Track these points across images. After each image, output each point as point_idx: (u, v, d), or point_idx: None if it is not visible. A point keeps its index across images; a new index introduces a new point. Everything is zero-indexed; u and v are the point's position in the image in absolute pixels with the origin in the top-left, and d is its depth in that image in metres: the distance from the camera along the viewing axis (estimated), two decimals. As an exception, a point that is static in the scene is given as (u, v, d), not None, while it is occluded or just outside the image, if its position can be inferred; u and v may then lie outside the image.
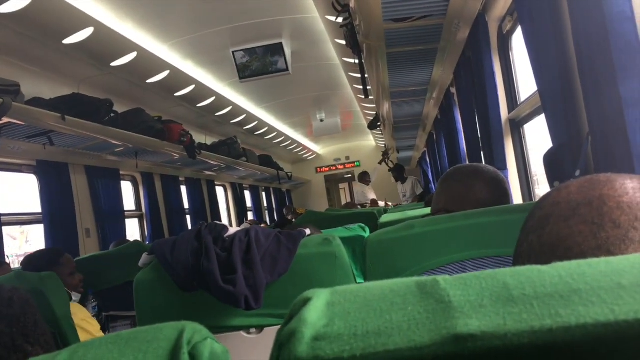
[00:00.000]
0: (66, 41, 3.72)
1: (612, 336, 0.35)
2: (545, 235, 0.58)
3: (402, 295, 0.42)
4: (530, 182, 2.90)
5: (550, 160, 1.60)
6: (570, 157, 1.47)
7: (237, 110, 6.82)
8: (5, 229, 3.76)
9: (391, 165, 9.58)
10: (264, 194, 11.02)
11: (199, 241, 1.48)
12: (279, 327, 1.36)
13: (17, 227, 4.69)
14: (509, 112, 2.96)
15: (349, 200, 15.84)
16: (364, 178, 9.69)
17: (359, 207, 5.89)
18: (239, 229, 1.54)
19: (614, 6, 1.15)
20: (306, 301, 0.43)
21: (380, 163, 8.44)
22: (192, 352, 0.44)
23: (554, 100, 1.57)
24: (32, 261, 2.76)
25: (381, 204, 7.82)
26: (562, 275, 0.40)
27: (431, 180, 8.91)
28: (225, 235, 1.50)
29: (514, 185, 2.90)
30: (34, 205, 4.29)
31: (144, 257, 1.56)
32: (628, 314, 0.35)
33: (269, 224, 9.55)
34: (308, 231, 1.58)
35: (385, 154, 7.28)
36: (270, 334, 1.46)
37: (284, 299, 1.47)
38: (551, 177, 1.62)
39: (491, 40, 2.83)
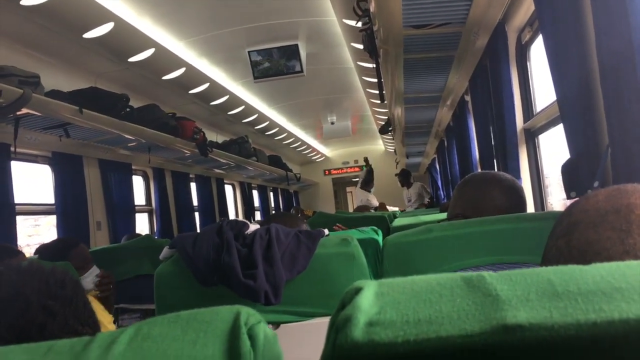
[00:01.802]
0: (86, 35, 3.77)
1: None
2: (574, 241, 0.61)
3: (449, 288, 0.45)
4: (543, 192, 2.92)
5: (568, 170, 1.62)
6: (588, 168, 1.49)
7: (250, 109, 6.86)
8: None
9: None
10: (271, 194, 11.06)
11: (220, 237, 1.51)
12: (295, 324, 1.40)
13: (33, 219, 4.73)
14: (525, 121, 2.98)
15: (355, 203, 15.88)
16: (367, 185, 9.71)
17: (371, 210, 5.91)
18: (258, 226, 1.57)
19: (639, 18, 1.18)
20: (358, 290, 0.46)
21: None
22: (250, 333, 0.47)
23: (573, 111, 1.59)
24: (45, 250, 2.80)
25: (393, 208, 7.83)
26: (603, 275, 0.42)
27: (440, 187, 8.91)
28: (245, 232, 1.53)
29: (527, 194, 2.92)
30: (47, 196, 4.34)
31: (165, 251, 1.58)
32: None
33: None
34: (326, 231, 1.61)
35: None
36: (286, 330, 1.49)
37: (302, 297, 1.50)
38: (568, 187, 1.64)
39: (509, 50, 2.85)
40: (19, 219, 3.82)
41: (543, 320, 0.39)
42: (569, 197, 1.67)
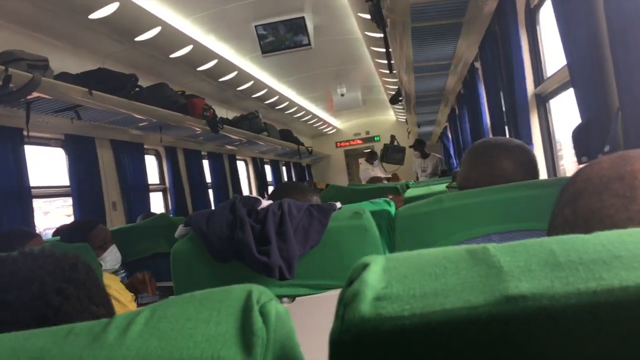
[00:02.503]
0: (92, 16, 3.76)
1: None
2: (579, 209, 0.62)
3: (454, 261, 0.46)
4: (554, 157, 2.91)
5: (578, 135, 1.61)
6: (598, 133, 1.48)
7: (259, 84, 6.85)
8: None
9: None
10: (284, 168, 11.08)
11: (233, 213, 1.53)
12: (310, 296, 1.42)
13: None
14: (535, 87, 2.95)
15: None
16: (371, 158, 9.84)
17: (384, 182, 5.91)
18: (271, 202, 1.58)
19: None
20: (365, 266, 0.47)
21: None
22: (262, 311, 0.48)
23: (583, 75, 1.58)
24: (66, 232, 2.85)
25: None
26: (604, 243, 0.43)
27: (452, 155, 8.89)
28: (258, 208, 1.54)
29: (539, 160, 2.90)
30: (62, 178, 4.39)
31: (180, 229, 1.61)
32: (668, 278, 0.39)
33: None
34: (339, 204, 1.62)
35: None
36: (301, 302, 1.51)
37: (316, 270, 1.52)
38: (579, 152, 1.63)
39: (518, 15, 2.81)
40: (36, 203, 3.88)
41: (545, 290, 0.40)
42: (580, 162, 1.67)
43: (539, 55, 2.93)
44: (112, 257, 2.86)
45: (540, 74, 2.92)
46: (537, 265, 0.42)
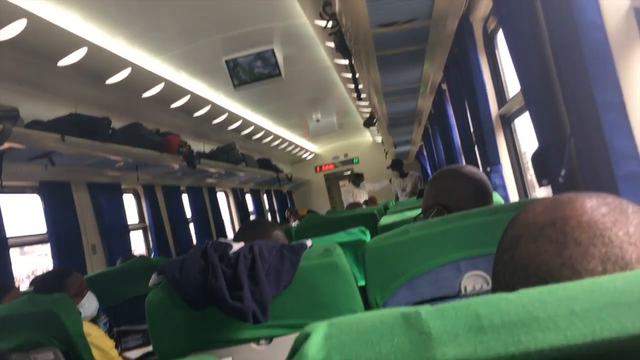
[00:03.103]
0: (61, 63, 3.77)
1: (565, 359, 0.41)
2: (517, 255, 0.65)
3: (389, 327, 0.48)
4: (524, 176, 2.96)
5: (537, 159, 1.67)
6: (556, 157, 1.53)
7: (233, 117, 6.88)
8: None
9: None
10: (265, 196, 11.08)
11: (205, 259, 1.54)
12: (287, 337, 1.44)
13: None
14: (499, 107, 3.02)
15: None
16: (356, 179, 9.84)
17: (363, 206, 5.94)
18: (242, 244, 1.60)
19: (584, 16, 1.21)
20: (307, 336, 0.49)
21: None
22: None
23: (537, 101, 1.63)
24: (39, 283, 2.83)
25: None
26: (525, 303, 0.46)
27: (429, 173, 8.98)
28: (230, 252, 1.56)
29: (509, 179, 2.97)
30: (40, 225, 4.36)
31: (154, 278, 1.61)
32: (579, 338, 0.41)
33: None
34: (309, 242, 1.64)
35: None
36: (278, 344, 1.52)
37: (290, 310, 1.53)
38: (539, 176, 1.68)
39: (477, 39, 2.89)
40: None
41: (468, 356, 0.42)
42: (540, 186, 1.72)
43: (500, 77, 3.00)
44: (89, 304, 2.84)
45: (503, 95, 3.00)
46: (463, 330, 0.45)
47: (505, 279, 0.66)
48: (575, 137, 1.38)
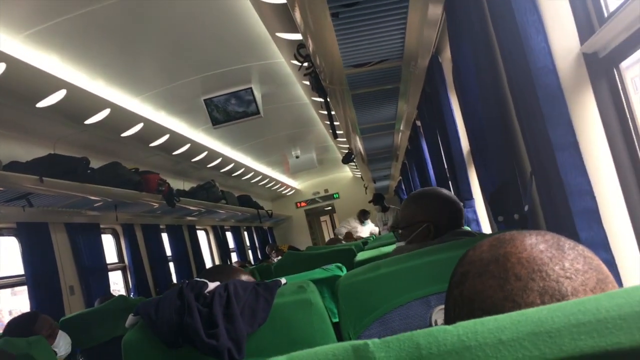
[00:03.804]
0: (40, 104, 3.80)
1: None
2: (465, 290, 0.70)
3: (340, 358, 0.52)
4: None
5: (493, 198, 1.74)
6: (514, 195, 1.60)
7: (213, 154, 6.92)
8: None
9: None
10: (245, 233, 11.06)
11: (181, 299, 1.57)
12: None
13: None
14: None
15: (331, 233, 15.94)
16: (362, 216, 9.43)
17: (342, 242, 5.98)
18: (218, 283, 1.63)
19: (537, 61, 1.30)
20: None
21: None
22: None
23: (496, 142, 1.70)
24: (13, 327, 2.84)
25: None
26: (460, 334, 0.51)
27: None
28: (205, 291, 1.59)
29: (481, 214, 3.03)
30: (18, 266, 4.32)
31: (130, 318, 1.63)
32: (505, 365, 0.46)
33: (252, 263, 9.56)
34: (284, 280, 1.68)
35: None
36: (255, 381, 1.54)
37: (266, 347, 1.56)
38: (495, 213, 1.75)
39: (446, 77, 2.99)
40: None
41: (407, 385, 0.47)
42: (497, 222, 1.78)
43: (471, 114, 3.09)
44: (63, 343, 2.85)
45: (473, 132, 3.08)
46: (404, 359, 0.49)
47: (455, 312, 0.70)
48: (535, 174, 1.45)
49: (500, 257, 0.69)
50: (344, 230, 8.85)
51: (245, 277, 1.73)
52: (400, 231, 1.78)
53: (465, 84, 1.87)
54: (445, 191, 1.80)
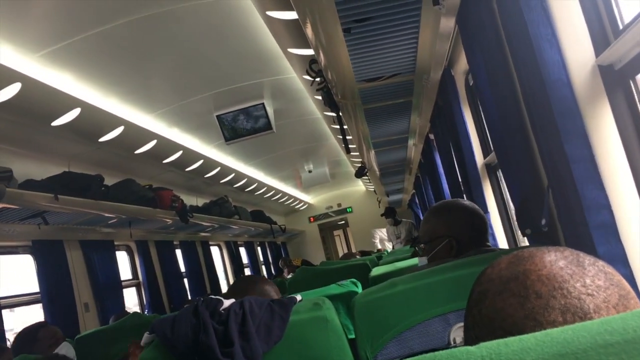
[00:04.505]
0: (55, 123, 3.84)
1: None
2: (484, 309, 0.68)
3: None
4: (511, 223, 3.00)
5: (519, 211, 1.72)
6: (536, 208, 1.58)
7: (226, 170, 6.95)
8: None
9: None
10: (259, 248, 11.05)
11: (196, 317, 1.56)
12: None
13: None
14: (484, 157, 3.09)
15: (345, 247, 15.89)
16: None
17: (357, 256, 5.95)
18: (233, 301, 1.62)
19: (551, 74, 1.29)
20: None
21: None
22: None
23: (514, 155, 1.69)
24: (17, 339, 2.88)
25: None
26: (484, 355, 0.49)
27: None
28: (221, 309, 1.58)
29: (497, 228, 3.01)
30: (33, 284, 4.34)
31: (146, 337, 1.63)
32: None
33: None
34: (299, 297, 1.67)
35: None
36: (270, 400, 1.53)
37: (281, 366, 1.54)
38: (523, 225, 1.73)
39: (459, 91, 2.98)
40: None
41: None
42: (524, 235, 1.76)
43: (484, 127, 3.08)
44: (66, 352, 2.85)
45: (487, 145, 3.07)
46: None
47: (475, 332, 0.69)
48: (552, 188, 1.43)
49: (520, 275, 0.67)
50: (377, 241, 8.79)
51: (268, 286, 1.72)
52: (422, 246, 1.74)
53: (484, 96, 1.86)
54: (467, 203, 1.74)
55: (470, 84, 3.04)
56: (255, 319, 1.54)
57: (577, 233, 1.31)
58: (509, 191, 2.10)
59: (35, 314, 4.42)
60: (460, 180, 3.43)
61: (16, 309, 4.30)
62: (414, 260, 2.98)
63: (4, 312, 4.05)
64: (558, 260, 0.67)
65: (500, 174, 3.05)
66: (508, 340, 0.51)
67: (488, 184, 3.06)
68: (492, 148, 3.01)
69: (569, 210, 1.31)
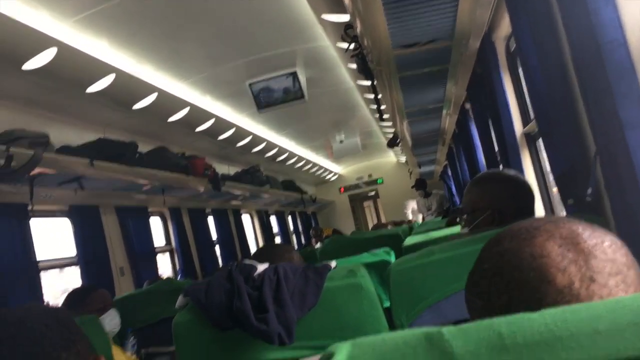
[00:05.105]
0: (89, 90, 3.86)
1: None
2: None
3: (412, 347, 0.48)
4: (550, 195, 2.93)
5: (561, 181, 1.65)
6: (581, 176, 1.52)
7: (257, 139, 6.95)
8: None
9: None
10: (289, 218, 11.11)
11: (230, 282, 1.56)
12: (312, 358, 1.44)
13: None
14: (524, 126, 3.00)
15: (374, 218, 15.87)
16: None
17: (389, 227, 5.92)
18: (267, 265, 1.61)
19: (606, 35, 1.21)
20: (330, 356, 0.50)
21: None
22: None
23: (558, 123, 1.62)
24: (67, 299, 2.91)
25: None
26: (547, 323, 0.46)
27: (454, 193, 8.89)
28: (255, 274, 1.57)
29: (536, 199, 2.93)
30: (70, 248, 4.43)
31: (180, 300, 1.63)
32: (603, 357, 0.41)
33: (296, 248, 9.61)
34: (334, 263, 1.65)
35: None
36: (304, 365, 1.52)
37: (315, 332, 1.53)
38: (565, 196, 1.67)
39: (499, 58, 2.89)
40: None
41: (490, 376, 0.43)
42: (566, 205, 1.70)
43: (524, 95, 2.98)
44: (110, 320, 2.87)
45: (527, 114, 2.98)
46: (486, 349, 0.45)
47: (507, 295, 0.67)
48: (601, 156, 1.37)
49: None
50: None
51: (296, 256, 1.71)
52: (465, 216, 1.70)
53: (529, 60, 1.78)
54: (512, 173, 1.70)
55: (511, 51, 2.94)
56: (289, 285, 1.53)
57: (626, 204, 1.25)
58: (549, 161, 2.04)
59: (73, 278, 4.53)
60: (497, 150, 3.35)
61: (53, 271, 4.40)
62: (448, 230, 2.94)
63: (52, 272, 4.19)
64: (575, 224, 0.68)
65: (539, 143, 2.96)
66: (574, 308, 0.48)
67: (527, 154, 2.97)
68: (532, 116, 2.93)
69: (619, 179, 1.25)
